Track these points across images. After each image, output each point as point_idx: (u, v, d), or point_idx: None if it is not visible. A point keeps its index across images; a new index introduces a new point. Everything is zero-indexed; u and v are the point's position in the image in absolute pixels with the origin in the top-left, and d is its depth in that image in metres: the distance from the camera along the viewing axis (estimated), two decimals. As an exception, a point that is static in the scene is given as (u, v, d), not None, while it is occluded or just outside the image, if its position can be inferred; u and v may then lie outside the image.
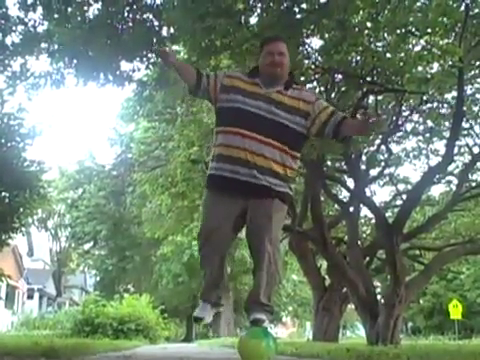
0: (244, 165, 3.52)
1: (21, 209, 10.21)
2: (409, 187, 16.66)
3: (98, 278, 37.85)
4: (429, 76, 9.43)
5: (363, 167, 14.46)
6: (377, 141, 13.84)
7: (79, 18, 7.93)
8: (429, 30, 8.73)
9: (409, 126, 14.56)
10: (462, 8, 8.97)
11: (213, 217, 3.68)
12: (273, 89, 3.63)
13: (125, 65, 8.47)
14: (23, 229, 10.84)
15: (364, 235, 18.51)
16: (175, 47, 9.86)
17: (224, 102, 3.70)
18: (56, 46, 8.08)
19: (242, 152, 3.51)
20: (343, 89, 11.35)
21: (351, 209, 14.10)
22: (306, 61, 10.03)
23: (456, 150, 13.29)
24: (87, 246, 35.08)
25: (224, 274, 3.78)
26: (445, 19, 8.66)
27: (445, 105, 13.16)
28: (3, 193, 10.05)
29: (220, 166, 3.62)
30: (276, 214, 3.60)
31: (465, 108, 11.45)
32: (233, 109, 3.62)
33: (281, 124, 3.56)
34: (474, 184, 15.16)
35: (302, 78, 9.52)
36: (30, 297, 36.97)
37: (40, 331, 20.05)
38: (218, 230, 3.62)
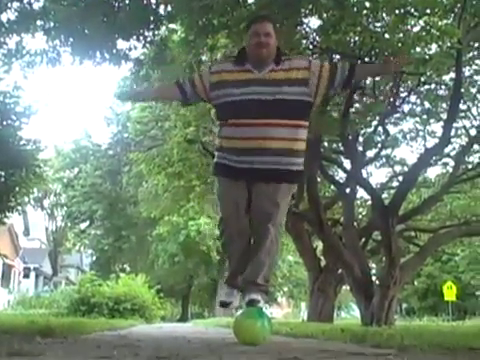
0: (252, 154, 3.52)
1: (17, 188, 10.19)
2: (405, 169, 16.64)
3: (94, 257, 37.96)
4: (427, 57, 9.36)
5: (360, 148, 14.41)
6: (374, 122, 13.80)
7: (75, -5, 7.84)
8: (428, 11, 8.63)
9: (406, 107, 14.51)
10: (462, -11, 8.90)
11: (228, 204, 3.73)
12: (265, 70, 3.59)
13: (122, 43, 8.37)
14: (19, 208, 10.84)
15: (360, 216, 18.56)
16: (172, 25, 9.75)
17: (220, 98, 3.66)
18: (52, 24, 7.98)
19: (248, 142, 3.51)
20: (341, 69, 11.27)
21: (347, 190, 14.07)
22: (304, 41, 9.96)
23: (453, 132, 13.25)
24: (83, 225, 35.13)
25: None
26: (444, 0, 8.59)
27: (443, 86, 13.10)
28: (-1, 172, 10.03)
29: (226, 156, 3.66)
30: (282, 201, 3.65)
31: (463, 90, 11.41)
32: (230, 102, 3.59)
33: (282, 100, 3.52)
34: (470, 166, 15.15)
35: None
36: (26, 276, 37.16)
37: (36, 310, 20.11)
38: (234, 216, 3.66)
